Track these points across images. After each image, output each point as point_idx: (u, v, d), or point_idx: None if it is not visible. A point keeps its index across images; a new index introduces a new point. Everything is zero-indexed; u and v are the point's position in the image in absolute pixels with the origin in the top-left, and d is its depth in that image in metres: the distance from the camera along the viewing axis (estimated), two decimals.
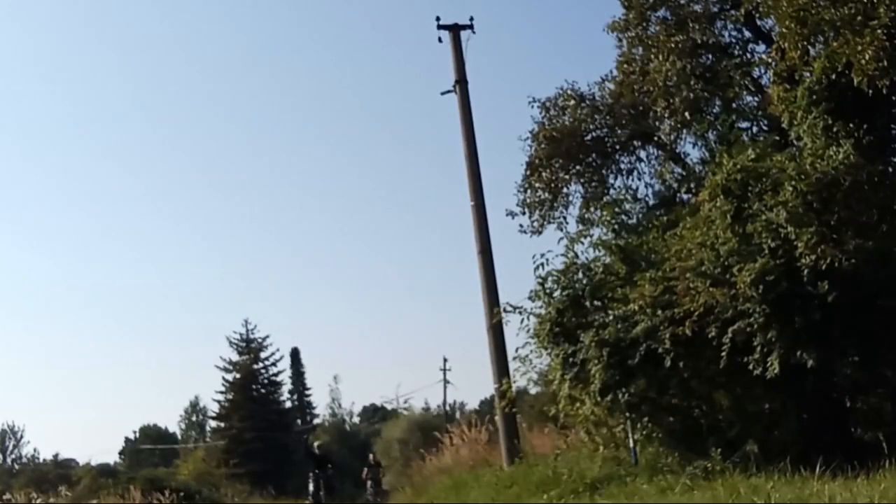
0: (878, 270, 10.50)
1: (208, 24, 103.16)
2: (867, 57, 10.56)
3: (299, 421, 66.27)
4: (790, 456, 9.77)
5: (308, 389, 69.85)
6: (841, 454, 9.50)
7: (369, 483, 27.96)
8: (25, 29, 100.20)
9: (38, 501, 38.51)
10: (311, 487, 23.90)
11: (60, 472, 60.72)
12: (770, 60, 14.52)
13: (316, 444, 21.83)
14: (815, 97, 11.61)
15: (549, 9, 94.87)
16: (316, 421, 70.69)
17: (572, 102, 18.92)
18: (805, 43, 11.77)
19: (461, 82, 20.90)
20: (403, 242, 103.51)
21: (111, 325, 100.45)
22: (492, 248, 20.07)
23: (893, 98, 11.58)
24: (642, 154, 19.27)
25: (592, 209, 18.03)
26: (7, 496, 38.36)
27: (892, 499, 7.61)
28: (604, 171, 19.08)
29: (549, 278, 13.72)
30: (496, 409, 20.26)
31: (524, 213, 19.08)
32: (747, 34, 17.45)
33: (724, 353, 10.74)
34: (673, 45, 16.67)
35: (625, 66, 18.06)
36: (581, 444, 14.78)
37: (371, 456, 31.14)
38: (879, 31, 10.66)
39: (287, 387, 63.70)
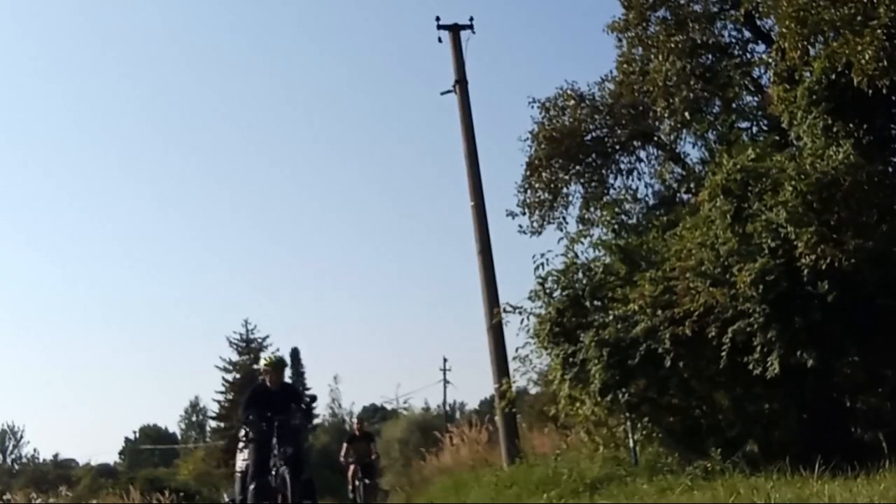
0: (878, 270, 10.48)
1: (208, 25, 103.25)
2: (867, 57, 10.55)
3: None
4: (790, 456, 9.73)
5: (308, 389, 69.84)
6: (841, 454, 9.47)
7: (352, 468, 17.85)
8: (26, 30, 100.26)
9: (38, 501, 38.56)
10: (242, 459, 11.67)
11: (60, 472, 60.74)
12: (770, 60, 14.50)
13: (262, 363, 11.67)
14: (815, 97, 11.59)
15: (549, 9, 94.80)
16: (316, 421, 70.67)
17: (572, 102, 18.93)
18: (805, 43, 11.75)
19: (461, 82, 20.92)
20: (403, 242, 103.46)
21: (111, 324, 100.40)
22: (492, 248, 20.09)
23: (893, 98, 11.56)
24: (642, 154, 19.30)
25: (592, 209, 18.04)
26: (7, 496, 38.39)
27: (892, 499, 7.59)
28: (604, 171, 19.10)
29: (549, 278, 13.72)
30: (496, 409, 20.25)
31: (524, 214, 19.10)
32: (747, 34, 17.44)
33: (724, 353, 10.71)
34: (673, 45, 16.66)
35: (625, 66, 18.05)
36: (581, 444, 14.77)
37: (355, 424, 20.90)
38: (879, 31, 10.65)
39: None
